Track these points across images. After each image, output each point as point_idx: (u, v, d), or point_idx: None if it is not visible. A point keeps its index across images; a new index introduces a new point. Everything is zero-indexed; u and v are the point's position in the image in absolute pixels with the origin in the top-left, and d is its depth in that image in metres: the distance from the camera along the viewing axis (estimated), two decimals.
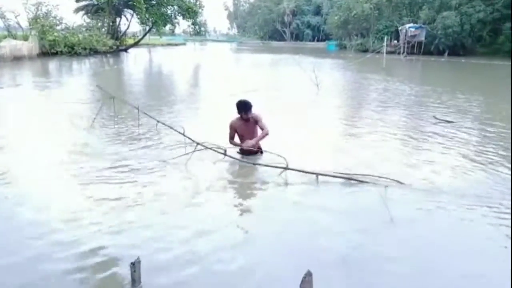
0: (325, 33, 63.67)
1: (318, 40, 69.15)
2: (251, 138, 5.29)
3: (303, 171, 4.59)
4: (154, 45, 48.73)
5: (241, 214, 3.84)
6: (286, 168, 4.67)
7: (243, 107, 5.26)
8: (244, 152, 5.36)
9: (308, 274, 2.03)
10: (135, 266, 2.34)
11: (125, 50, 34.91)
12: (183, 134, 5.34)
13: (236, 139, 5.49)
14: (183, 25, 59.07)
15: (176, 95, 12.40)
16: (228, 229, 3.47)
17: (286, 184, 4.52)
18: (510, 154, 5.19)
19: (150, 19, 34.30)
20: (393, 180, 4.46)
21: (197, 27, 38.71)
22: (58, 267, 2.78)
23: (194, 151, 5.16)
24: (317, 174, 4.54)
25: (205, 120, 8.09)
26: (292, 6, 72.28)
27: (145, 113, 6.39)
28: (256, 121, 5.33)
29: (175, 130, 5.55)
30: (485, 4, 33.24)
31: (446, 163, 5.38)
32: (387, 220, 3.60)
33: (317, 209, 3.90)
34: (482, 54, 32.64)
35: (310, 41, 71.44)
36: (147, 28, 37.20)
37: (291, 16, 73.63)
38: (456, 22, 33.33)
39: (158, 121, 5.91)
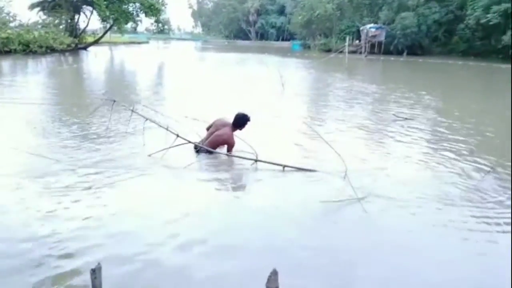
0: (289, 32, 64.28)
1: (283, 40, 69.74)
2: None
3: (272, 163, 4.89)
4: (115, 43, 47.26)
5: (210, 207, 3.82)
6: (257, 160, 4.97)
7: (246, 120, 5.46)
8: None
9: (274, 273, 2.04)
10: (95, 272, 2.25)
11: (85, 48, 33.66)
12: (166, 128, 5.33)
13: (224, 149, 5.51)
14: (145, 22, 57.69)
15: (141, 94, 12.11)
16: (197, 225, 3.45)
17: (256, 175, 4.75)
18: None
19: (111, 16, 33.22)
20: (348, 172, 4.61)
21: (160, 25, 38.02)
22: (13, 274, 2.65)
23: (172, 146, 5.12)
24: (283, 166, 4.85)
25: (177, 119, 7.96)
26: (257, 5, 72.47)
27: (135, 111, 6.29)
28: None
29: (158, 124, 5.57)
30: (440, 5, 34.86)
31: (404, 158, 5.61)
32: (352, 212, 3.70)
33: (284, 200, 4.03)
34: (438, 54, 34.25)
35: (275, 40, 71.92)
36: (108, 25, 36.06)
37: (255, 15, 73.81)
38: (413, 23, 34.75)
39: (146, 119, 5.80)
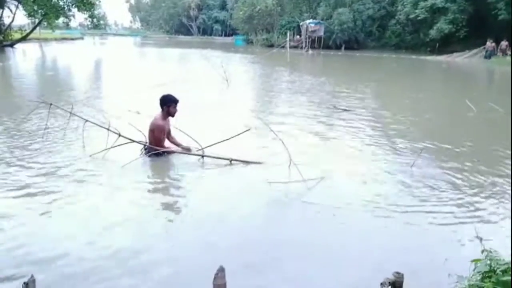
0: (232, 28, 64.14)
1: (225, 35, 69.47)
2: (162, 141, 5.16)
3: (218, 157, 4.91)
4: (46, 40, 44.12)
5: (155, 205, 3.72)
6: (203, 155, 4.96)
7: (174, 100, 5.06)
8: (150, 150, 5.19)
9: (220, 270, 2.02)
10: (28, 286, 2.09)
11: (11, 45, 31.04)
12: (107, 128, 5.07)
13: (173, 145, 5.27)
14: (79, 17, 54.50)
15: (79, 93, 11.41)
16: (141, 223, 3.36)
17: (203, 169, 4.76)
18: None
19: (39, 11, 30.89)
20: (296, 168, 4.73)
21: (95, 20, 36.00)
22: None
23: (113, 146, 4.92)
24: (230, 160, 4.87)
25: (119, 115, 7.61)
26: (197, 0, 71.43)
27: (73, 113, 5.86)
28: (169, 125, 5.27)
29: (99, 125, 5.33)
30: (373, 1, 36.66)
31: (343, 149, 5.86)
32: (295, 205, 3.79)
33: (230, 196, 4.03)
34: (372, 48, 36.01)
35: (218, 35, 71.45)
36: (37, 21, 33.53)
37: (196, 10, 72.72)
38: (349, 18, 36.20)
39: (86, 120, 5.48)
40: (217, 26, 73.48)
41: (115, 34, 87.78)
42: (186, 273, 2.73)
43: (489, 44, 25.16)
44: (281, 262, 2.86)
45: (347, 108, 8.89)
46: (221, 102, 9.93)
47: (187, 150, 5.23)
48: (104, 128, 5.16)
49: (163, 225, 3.40)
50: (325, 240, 3.21)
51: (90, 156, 4.92)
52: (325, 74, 18.80)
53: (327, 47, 36.96)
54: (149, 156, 5.04)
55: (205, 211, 3.77)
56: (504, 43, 25.16)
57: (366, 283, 2.51)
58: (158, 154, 5.09)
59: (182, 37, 71.37)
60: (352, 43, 37.23)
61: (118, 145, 4.96)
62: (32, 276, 2.11)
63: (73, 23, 41.62)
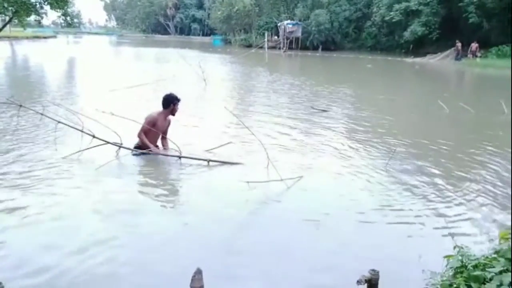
0: (210, 27, 63.77)
1: (203, 35, 69.00)
2: (156, 138, 5.20)
3: (196, 158, 4.88)
4: (17, 38, 42.68)
5: (128, 204, 3.65)
6: (180, 156, 4.92)
7: (177, 98, 5.15)
8: (143, 148, 5.11)
9: (198, 272, 2.01)
10: None
11: None
12: (81, 130, 4.95)
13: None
14: (52, 16, 52.98)
15: (49, 93, 11.09)
16: (114, 226, 3.29)
17: (180, 171, 4.72)
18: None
19: (10, 9, 29.80)
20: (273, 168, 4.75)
21: (68, 18, 35.01)
22: None
23: (88, 148, 4.81)
24: (208, 161, 4.85)
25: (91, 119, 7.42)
26: None
27: (43, 114, 5.65)
28: (169, 124, 5.34)
29: (72, 126, 5.12)
30: (349, 3, 37.25)
31: (321, 149, 5.92)
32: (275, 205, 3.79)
33: (207, 198, 3.98)
34: (349, 49, 36.58)
35: (196, 35, 70.89)
36: (7, 18, 32.33)
37: (173, 9, 71.92)
38: (326, 20, 36.66)
39: (58, 122, 5.24)
40: (194, 26, 72.90)
41: (89, 33, 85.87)
42: (162, 276, 2.68)
43: (457, 45, 26.00)
44: (258, 263, 2.87)
45: (325, 109, 8.99)
46: (199, 102, 9.86)
47: (165, 151, 5.19)
48: (78, 129, 5.03)
49: (138, 228, 3.33)
50: (301, 239, 3.23)
51: (63, 158, 4.77)
52: (303, 74, 18.96)
53: (304, 47, 37.29)
54: (133, 155, 5.04)
55: (181, 212, 3.74)
56: (474, 45, 26.04)
57: (342, 281, 2.54)
58: (140, 154, 5.05)
59: (159, 36, 70.47)
60: (329, 44, 37.69)
61: (92, 147, 4.84)
62: (1, 283, 2.04)
63: (46, 21, 40.48)
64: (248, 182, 4.04)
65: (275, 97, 10.98)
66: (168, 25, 75.02)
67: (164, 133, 5.30)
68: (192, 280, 1.96)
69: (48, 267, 2.67)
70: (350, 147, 6.01)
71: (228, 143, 5.43)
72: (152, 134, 5.11)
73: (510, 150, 5.57)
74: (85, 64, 21.11)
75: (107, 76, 14.87)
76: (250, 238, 3.24)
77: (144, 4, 74.17)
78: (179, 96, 5.20)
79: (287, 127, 7.30)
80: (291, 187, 4.20)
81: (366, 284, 2.15)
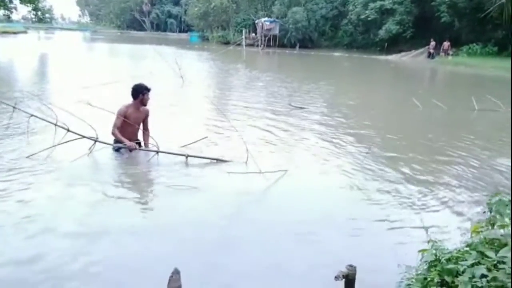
0: (187, 24, 62.99)
1: (180, 31, 68.09)
2: (134, 132, 5.10)
3: (173, 153, 4.81)
4: None
5: (104, 203, 3.57)
6: (158, 151, 4.81)
7: (146, 88, 5.11)
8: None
9: (175, 272, 1.98)
10: None
11: None
12: (55, 124, 4.77)
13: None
14: (22, 10, 51.11)
15: (20, 89, 10.67)
16: (89, 224, 3.20)
17: (158, 166, 4.64)
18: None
19: None
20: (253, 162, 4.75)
21: (39, 13, 33.97)
22: None
23: (61, 143, 4.64)
24: (186, 156, 4.77)
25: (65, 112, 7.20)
26: None
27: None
28: (146, 116, 5.23)
29: (45, 119, 4.94)
30: (325, 1, 37.59)
31: (299, 145, 5.97)
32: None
33: (186, 194, 3.96)
34: (326, 47, 36.93)
35: (172, 31, 69.89)
36: None
37: (149, 5, 70.64)
38: (303, 17, 36.85)
39: (31, 115, 5.03)
40: (171, 22, 71.84)
41: (62, 28, 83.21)
42: (139, 276, 2.63)
43: (432, 44, 26.73)
44: (237, 263, 2.86)
45: (303, 106, 9.05)
46: (177, 99, 9.74)
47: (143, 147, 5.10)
48: (51, 123, 4.85)
49: (111, 229, 3.25)
50: (278, 236, 3.24)
51: (33, 154, 4.61)
52: (281, 72, 19.03)
53: (282, 45, 37.39)
54: (114, 150, 4.95)
55: (158, 209, 3.68)
56: (446, 44, 26.80)
57: (320, 277, 2.56)
58: (117, 148, 4.95)
59: (134, 33, 69.07)
60: (306, 42, 37.93)
61: (66, 142, 4.69)
62: None
63: (16, 16, 39.01)
64: (229, 172, 4.01)
65: (254, 94, 10.98)
66: (144, 21, 73.68)
67: (145, 127, 5.21)
68: (169, 280, 1.93)
69: (16, 267, 2.58)
70: (328, 144, 6.07)
71: (204, 137, 5.36)
72: (128, 128, 4.99)
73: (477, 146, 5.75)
74: (58, 60, 20.48)
75: (81, 73, 14.44)
76: (229, 239, 3.22)
77: None
78: (149, 86, 5.15)
79: (265, 124, 7.31)
80: (271, 185, 4.20)
81: (343, 280, 2.17)
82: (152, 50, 20.98)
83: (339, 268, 2.14)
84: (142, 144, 5.22)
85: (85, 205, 3.62)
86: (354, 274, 2.20)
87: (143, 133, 5.22)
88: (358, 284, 2.12)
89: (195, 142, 5.28)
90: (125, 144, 4.89)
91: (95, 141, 4.85)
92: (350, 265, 2.19)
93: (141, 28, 73.65)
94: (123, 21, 76.36)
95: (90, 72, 14.68)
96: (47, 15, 36.14)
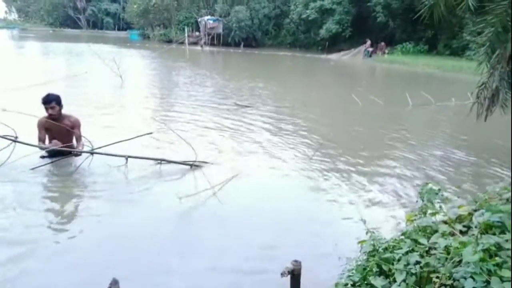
0: (126, 22, 60.57)
1: (119, 29, 65.29)
2: (70, 141, 4.65)
3: (112, 155, 4.43)
4: None
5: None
6: (93, 152, 4.45)
7: (43, 100, 4.50)
8: (56, 154, 4.59)
9: (113, 283, 1.86)
10: None
11: None
12: None
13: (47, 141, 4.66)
14: None
15: None
16: (24, 236, 2.94)
17: (93, 171, 4.31)
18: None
19: None
20: (202, 162, 4.67)
21: None
22: None
23: None
24: (126, 157, 4.43)
25: None
26: None
27: None
28: (73, 126, 4.69)
29: None
30: (268, 1, 38.05)
31: (248, 146, 5.95)
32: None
33: (126, 195, 3.81)
34: (270, 46, 37.41)
35: (111, 29, 66.84)
36: None
37: (84, 1, 66.96)
38: (247, 16, 37.02)
39: None
40: (108, 19, 68.68)
41: None
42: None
43: (367, 43, 28.17)
44: (178, 263, 2.78)
45: (248, 105, 9.07)
46: (114, 101, 9.30)
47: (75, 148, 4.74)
48: None
49: (49, 241, 3.02)
50: (223, 236, 3.21)
51: None
52: (225, 70, 18.97)
53: (226, 44, 37.28)
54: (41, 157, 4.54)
55: (97, 220, 3.47)
56: (381, 44, 28.34)
57: (264, 275, 2.56)
58: (52, 156, 4.56)
59: (69, 31, 65.08)
60: (250, 41, 38.14)
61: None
62: None
63: None
64: (180, 198, 3.67)
65: (198, 93, 10.80)
66: (78, 18, 69.67)
67: (76, 138, 4.78)
68: None
69: None
70: (274, 142, 6.11)
71: (149, 133, 5.09)
72: (57, 140, 4.58)
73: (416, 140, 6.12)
74: None
75: (8, 73, 13.33)
76: (176, 248, 3.11)
77: None
78: (51, 97, 4.55)
79: (212, 123, 7.22)
80: (222, 187, 4.14)
81: (289, 276, 2.18)
82: (89, 49, 19.93)
83: (284, 264, 2.14)
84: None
85: (14, 217, 3.32)
86: (300, 269, 2.21)
87: (77, 143, 4.81)
88: (302, 278, 2.13)
89: (136, 137, 4.83)
90: (49, 147, 4.51)
91: (14, 141, 4.35)
92: (295, 261, 2.20)
93: (76, 26, 69.53)
94: (56, 19, 71.58)
95: (19, 73, 13.59)
96: None
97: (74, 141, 4.80)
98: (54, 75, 12.64)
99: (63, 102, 4.71)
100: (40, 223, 3.28)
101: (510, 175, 4.80)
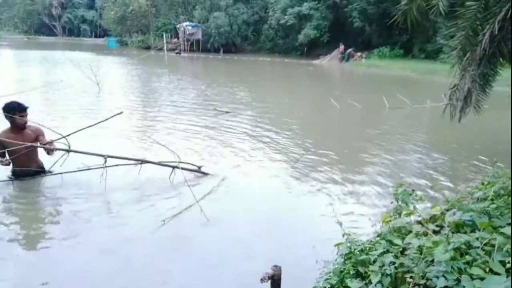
0: (103, 28, 59.75)
1: (96, 36, 64.41)
2: (28, 157, 4.24)
3: (90, 153, 4.28)
4: None
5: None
6: (69, 151, 4.27)
7: (16, 108, 4.09)
8: (20, 175, 4.32)
9: None
10: None
11: None
12: None
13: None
14: None
15: None
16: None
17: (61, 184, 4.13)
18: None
19: None
20: (194, 165, 4.64)
21: None
22: None
23: None
24: (105, 157, 4.23)
25: None
26: None
27: None
28: (37, 136, 4.30)
29: None
30: (246, 7, 38.23)
31: (229, 151, 5.95)
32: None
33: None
34: (249, 51, 37.55)
35: (88, 37, 65.80)
36: None
37: (60, 8, 65.73)
38: (225, 22, 37.07)
39: None
40: (85, 27, 67.60)
41: None
42: None
43: (341, 47, 28.71)
44: (161, 268, 2.74)
45: (228, 110, 9.07)
46: (92, 110, 9.13)
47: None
48: None
49: (24, 256, 2.94)
50: (203, 243, 3.19)
51: None
52: (205, 76, 18.93)
53: (206, 50, 37.22)
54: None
55: (75, 232, 3.40)
56: (350, 50, 28.90)
57: (245, 280, 2.55)
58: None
59: (44, 38, 63.71)
60: (229, 47, 38.19)
61: None
62: None
63: None
64: (163, 220, 3.50)
65: (178, 99, 10.74)
66: (54, 25, 68.32)
67: (26, 150, 4.24)
68: None
69: None
70: (253, 148, 6.12)
71: (119, 113, 4.82)
72: (19, 156, 4.18)
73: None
74: None
75: None
76: (155, 266, 3.08)
77: (25, 2, 66.35)
78: (24, 104, 4.22)
79: (192, 130, 7.19)
80: (208, 192, 4.12)
81: (269, 281, 2.18)
82: (64, 57, 19.56)
83: (264, 269, 2.14)
84: (46, 169, 4.57)
85: None
86: (280, 274, 2.21)
87: (47, 153, 4.41)
88: (282, 283, 2.13)
89: (105, 120, 4.61)
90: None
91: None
92: (275, 266, 2.20)
93: (51, 33, 68.13)
94: (30, 26, 69.98)
95: None
96: None
97: (39, 157, 4.49)
98: (27, 85, 12.32)
99: (40, 111, 4.58)
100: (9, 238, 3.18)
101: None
